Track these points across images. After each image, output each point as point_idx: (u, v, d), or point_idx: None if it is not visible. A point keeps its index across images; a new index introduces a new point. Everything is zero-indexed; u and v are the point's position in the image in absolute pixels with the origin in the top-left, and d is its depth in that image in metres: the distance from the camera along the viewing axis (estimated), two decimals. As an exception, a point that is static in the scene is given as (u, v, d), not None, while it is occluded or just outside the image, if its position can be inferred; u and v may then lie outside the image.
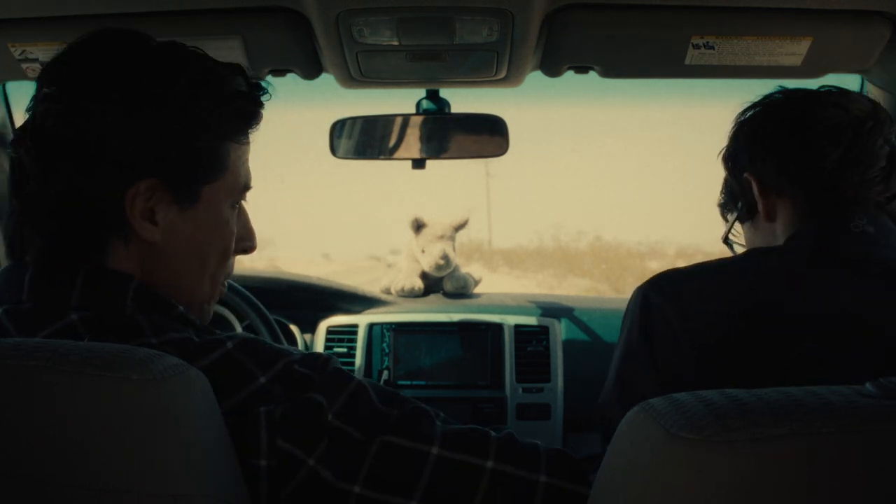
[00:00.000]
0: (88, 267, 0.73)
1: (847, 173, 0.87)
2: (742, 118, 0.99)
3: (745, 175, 0.96)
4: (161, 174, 0.72)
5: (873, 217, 0.86)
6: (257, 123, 0.80)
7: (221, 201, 0.78)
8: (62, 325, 0.70)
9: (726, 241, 1.09)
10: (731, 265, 0.89)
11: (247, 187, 0.83)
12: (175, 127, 0.73)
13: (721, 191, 1.07)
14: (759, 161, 0.94)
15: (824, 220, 0.87)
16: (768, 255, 0.88)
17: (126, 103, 0.71)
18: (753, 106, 0.98)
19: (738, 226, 1.07)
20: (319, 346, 1.77)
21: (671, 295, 0.85)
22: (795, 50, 1.15)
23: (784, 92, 0.96)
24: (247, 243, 0.87)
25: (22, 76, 1.24)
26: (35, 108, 0.73)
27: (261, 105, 0.80)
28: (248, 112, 0.79)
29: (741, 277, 0.84)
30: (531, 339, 1.71)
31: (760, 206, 0.95)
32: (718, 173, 1.09)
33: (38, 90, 0.74)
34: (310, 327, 1.81)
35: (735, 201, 1.02)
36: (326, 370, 0.73)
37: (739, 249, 1.07)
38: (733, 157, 1.00)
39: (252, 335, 0.75)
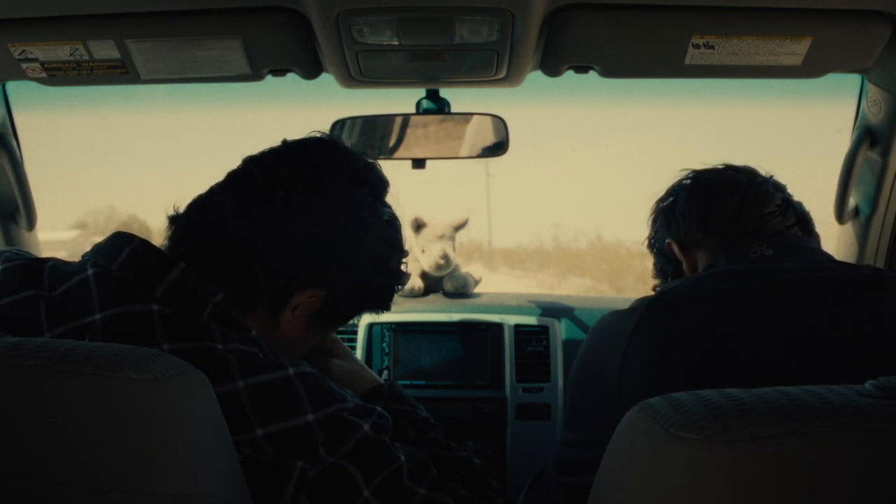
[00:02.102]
0: (184, 267, 0.76)
1: (746, 211, 1.03)
2: (661, 205, 1.15)
3: (667, 242, 1.10)
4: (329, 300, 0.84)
5: (774, 241, 0.98)
6: None
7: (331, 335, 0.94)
8: (141, 310, 0.72)
9: None
10: (642, 306, 0.93)
11: None
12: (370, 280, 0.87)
13: (652, 278, 1.20)
14: (674, 226, 1.10)
15: (730, 251, 1.00)
16: (683, 286, 0.92)
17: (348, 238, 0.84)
18: (669, 193, 1.14)
19: None
20: (319, 346, 1.76)
21: (595, 331, 0.96)
22: (795, 49, 1.15)
23: (693, 175, 1.13)
24: None
25: (22, 76, 1.24)
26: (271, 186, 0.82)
27: None
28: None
29: (650, 314, 0.89)
30: (531, 339, 1.71)
31: (684, 264, 1.08)
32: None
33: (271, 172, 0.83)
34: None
35: (665, 277, 1.14)
36: (372, 438, 0.76)
37: None
38: (655, 236, 1.16)
39: (313, 370, 0.77)
